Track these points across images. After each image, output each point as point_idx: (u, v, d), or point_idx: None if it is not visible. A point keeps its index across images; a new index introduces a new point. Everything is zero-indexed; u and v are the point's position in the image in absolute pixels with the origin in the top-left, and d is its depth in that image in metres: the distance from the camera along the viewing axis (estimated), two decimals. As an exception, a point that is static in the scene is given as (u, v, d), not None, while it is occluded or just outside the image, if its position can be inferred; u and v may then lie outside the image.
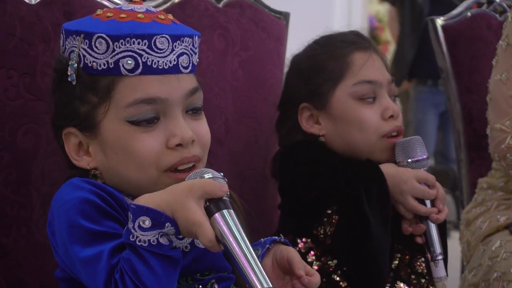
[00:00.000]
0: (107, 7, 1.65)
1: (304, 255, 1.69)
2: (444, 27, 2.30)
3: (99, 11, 1.34)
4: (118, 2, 1.68)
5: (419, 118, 5.68)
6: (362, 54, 1.76)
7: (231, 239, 1.16)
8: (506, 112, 1.89)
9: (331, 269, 1.68)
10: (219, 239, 1.16)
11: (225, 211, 1.17)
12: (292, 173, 1.74)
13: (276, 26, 2.03)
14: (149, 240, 1.16)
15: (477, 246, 1.96)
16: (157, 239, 1.16)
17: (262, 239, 1.45)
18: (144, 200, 1.18)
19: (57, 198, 1.27)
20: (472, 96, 2.16)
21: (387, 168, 1.69)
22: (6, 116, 1.52)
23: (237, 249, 1.15)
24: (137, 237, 1.16)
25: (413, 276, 1.73)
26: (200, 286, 1.34)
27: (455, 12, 2.33)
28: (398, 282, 1.71)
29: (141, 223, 1.15)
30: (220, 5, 1.90)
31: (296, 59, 1.84)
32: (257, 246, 1.42)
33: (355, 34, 1.81)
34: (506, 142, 1.88)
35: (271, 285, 1.14)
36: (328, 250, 1.69)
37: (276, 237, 1.44)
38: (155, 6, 1.76)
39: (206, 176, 1.22)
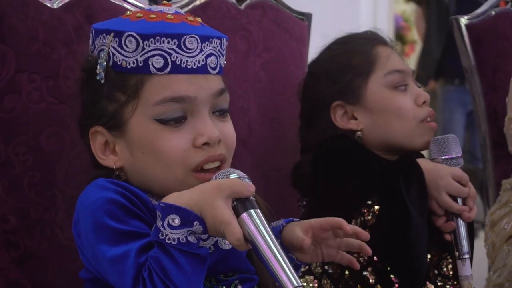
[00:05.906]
0: (129, 10, 1.66)
1: None
2: (468, 26, 2.28)
3: (128, 12, 1.36)
4: (140, 5, 1.69)
5: (446, 118, 5.65)
6: (384, 48, 1.80)
7: (259, 238, 1.17)
8: None
9: (364, 263, 1.68)
10: (247, 238, 1.17)
11: (252, 211, 1.18)
12: (329, 166, 1.74)
13: (298, 27, 2.02)
14: (178, 238, 1.17)
15: (501, 247, 1.95)
16: (186, 237, 1.17)
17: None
18: (172, 198, 1.19)
19: (82, 199, 1.28)
20: (497, 94, 2.14)
21: (424, 163, 1.71)
22: (29, 119, 1.54)
23: (265, 247, 1.16)
24: (166, 235, 1.17)
25: (439, 278, 1.72)
26: (224, 287, 1.34)
27: (479, 11, 2.31)
28: (428, 283, 1.70)
29: (170, 221, 1.17)
30: (242, 6, 1.91)
31: (316, 63, 1.86)
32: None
33: (371, 32, 1.85)
34: None
35: (300, 283, 1.15)
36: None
37: (291, 218, 1.44)
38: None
39: (232, 176, 1.22)
